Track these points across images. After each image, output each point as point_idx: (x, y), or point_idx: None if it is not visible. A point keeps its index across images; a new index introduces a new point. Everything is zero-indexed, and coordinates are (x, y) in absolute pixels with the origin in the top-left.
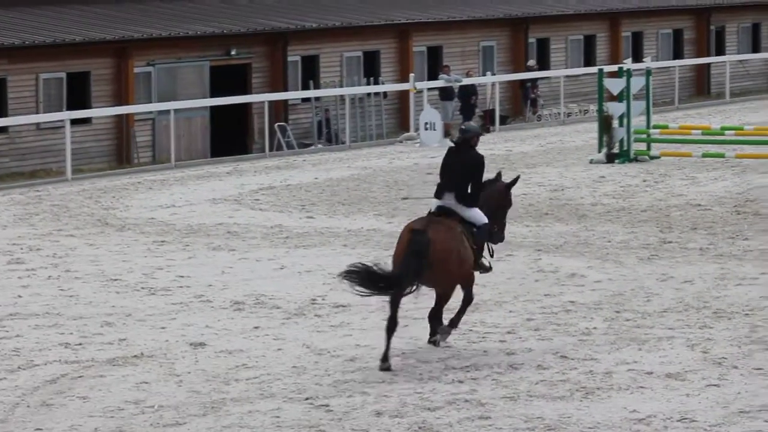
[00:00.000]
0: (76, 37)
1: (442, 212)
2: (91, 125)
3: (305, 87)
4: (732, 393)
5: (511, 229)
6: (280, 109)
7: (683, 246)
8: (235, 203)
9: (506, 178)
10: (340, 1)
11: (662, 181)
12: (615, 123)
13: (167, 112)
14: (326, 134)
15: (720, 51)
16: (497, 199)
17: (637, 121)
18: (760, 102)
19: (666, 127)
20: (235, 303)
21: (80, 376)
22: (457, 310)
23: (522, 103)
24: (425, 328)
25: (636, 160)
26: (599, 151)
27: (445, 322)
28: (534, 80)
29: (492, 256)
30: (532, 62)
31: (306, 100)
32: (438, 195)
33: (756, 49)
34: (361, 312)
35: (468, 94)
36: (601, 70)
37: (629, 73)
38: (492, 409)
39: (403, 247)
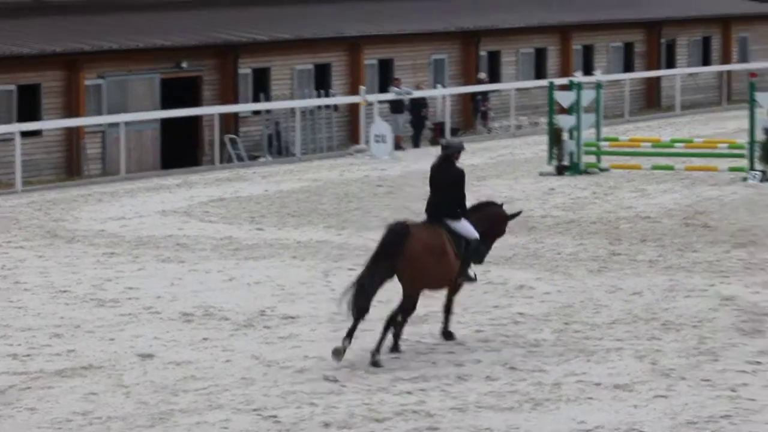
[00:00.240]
0: (26, 49)
1: (434, 221)
2: (41, 137)
3: (256, 99)
4: (680, 404)
5: None
6: (230, 122)
7: (632, 258)
8: (185, 215)
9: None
10: (291, 14)
11: (612, 194)
12: (565, 135)
13: (117, 124)
14: (276, 146)
15: (670, 64)
16: (494, 223)
17: (587, 134)
18: (709, 115)
19: (616, 139)
20: (184, 314)
21: (28, 388)
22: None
23: (472, 116)
24: (374, 340)
25: (586, 172)
26: (549, 164)
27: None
28: (485, 93)
29: (480, 262)
30: (482, 75)
31: (256, 112)
32: (427, 211)
33: (706, 62)
34: (310, 323)
35: (418, 106)
36: (551, 83)
37: (579, 86)
38: (440, 421)
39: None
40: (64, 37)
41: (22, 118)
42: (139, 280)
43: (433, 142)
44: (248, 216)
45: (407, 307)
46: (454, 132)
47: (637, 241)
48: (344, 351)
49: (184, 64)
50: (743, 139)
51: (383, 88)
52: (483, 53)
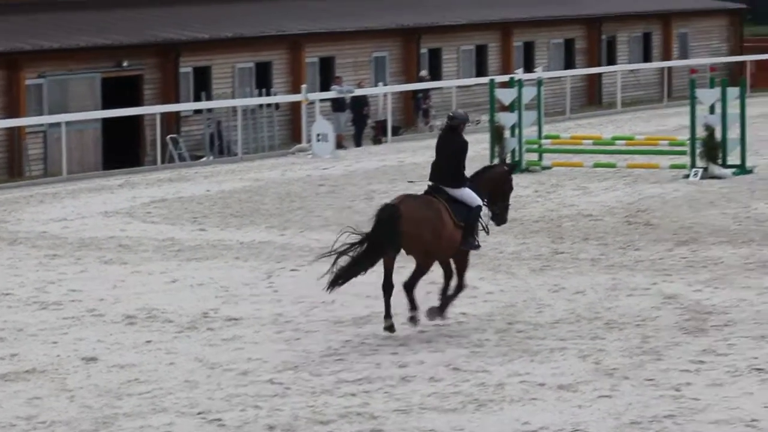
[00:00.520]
0: None
1: (433, 191)
2: None
3: (197, 98)
4: (623, 404)
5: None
6: (172, 121)
7: (575, 257)
8: (127, 216)
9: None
10: (232, 12)
11: (554, 192)
12: (506, 133)
13: (59, 124)
14: (218, 146)
15: (611, 61)
16: (498, 182)
17: (529, 132)
18: (651, 111)
19: (557, 137)
20: (127, 317)
21: None
22: (445, 294)
23: (414, 114)
24: (318, 341)
25: (527, 170)
26: (491, 162)
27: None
28: (426, 91)
29: (487, 233)
30: (424, 73)
31: (198, 111)
32: (430, 177)
33: (647, 58)
34: (254, 325)
35: (360, 105)
36: (492, 81)
37: (520, 84)
38: (384, 422)
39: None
40: (4, 37)
41: None
42: (82, 283)
43: (375, 140)
44: (190, 216)
45: (418, 273)
46: (396, 130)
47: (580, 239)
48: (392, 326)
49: (125, 63)
50: (684, 136)
51: (325, 87)
52: (424, 51)
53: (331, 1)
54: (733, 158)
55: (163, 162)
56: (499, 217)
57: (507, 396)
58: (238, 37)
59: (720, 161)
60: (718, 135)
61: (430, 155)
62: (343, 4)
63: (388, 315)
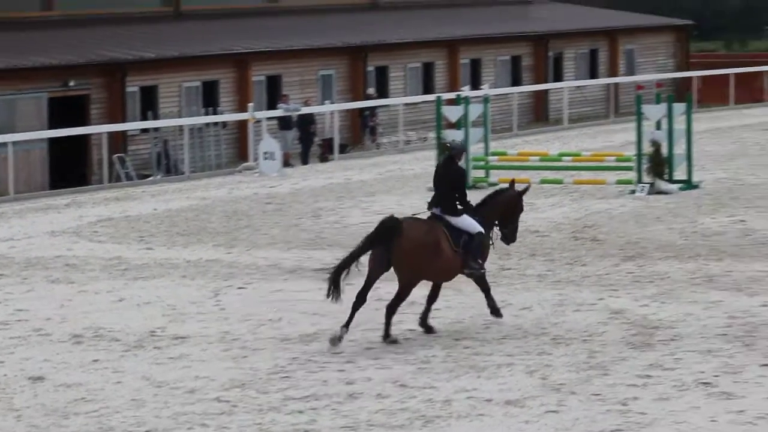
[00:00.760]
0: None
1: (435, 217)
2: None
3: (144, 118)
4: (570, 419)
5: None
6: (118, 141)
7: (521, 273)
8: (74, 235)
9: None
10: (179, 32)
11: None
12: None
13: (5, 144)
14: (165, 165)
15: (558, 77)
16: (510, 204)
17: (476, 149)
18: (597, 128)
19: (504, 153)
20: (74, 336)
21: None
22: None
23: (361, 132)
24: (265, 359)
25: (474, 187)
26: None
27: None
28: (373, 108)
29: (483, 260)
30: (371, 90)
31: (145, 130)
32: (430, 206)
33: (593, 75)
34: (201, 344)
35: (307, 123)
36: (439, 98)
37: (467, 101)
38: None
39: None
40: None
41: None
42: (29, 302)
43: (322, 158)
44: (137, 235)
45: (401, 296)
46: (343, 148)
47: (527, 255)
48: (340, 338)
49: (72, 83)
50: (631, 152)
51: (271, 105)
52: (371, 68)
53: (277, 20)
54: (680, 173)
55: (110, 181)
56: (509, 237)
57: (454, 412)
58: (185, 56)
59: (666, 177)
60: (664, 150)
61: (377, 173)
62: (289, 23)
63: (346, 325)
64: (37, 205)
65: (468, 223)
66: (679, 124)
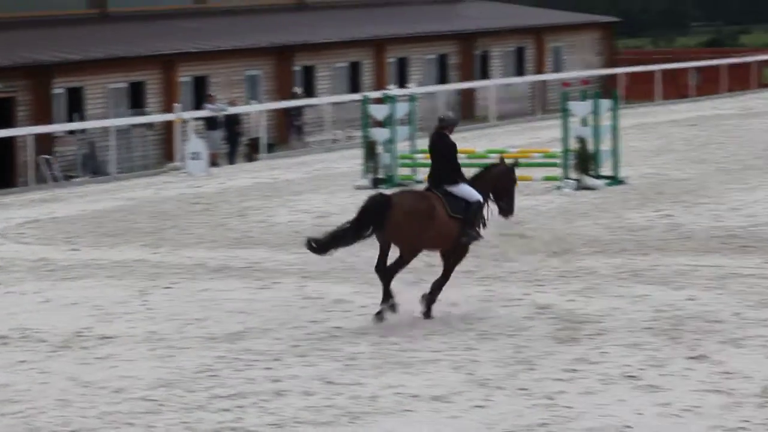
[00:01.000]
0: None
1: (431, 188)
2: None
3: (70, 119)
4: (497, 414)
5: (275, 257)
6: (45, 142)
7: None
8: (0, 237)
9: None
10: (105, 33)
11: None
12: (380, 149)
13: None
14: (92, 166)
15: (485, 75)
16: (502, 178)
17: (403, 146)
18: (524, 125)
19: None
20: (1, 337)
21: None
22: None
23: (288, 131)
24: (191, 358)
25: (401, 185)
26: (364, 177)
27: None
28: (300, 108)
29: (485, 226)
30: (297, 90)
31: (71, 132)
32: (428, 178)
33: (520, 72)
34: (127, 343)
35: (233, 123)
36: (365, 97)
37: (393, 99)
38: None
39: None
40: None
41: None
42: None
43: (249, 158)
44: (64, 237)
45: (402, 262)
46: (270, 147)
47: None
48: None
49: None
50: (557, 149)
51: (198, 106)
52: (297, 68)
53: (203, 21)
54: (606, 169)
55: (36, 183)
56: (507, 210)
57: (381, 408)
58: (111, 58)
59: (592, 172)
60: (590, 147)
61: (304, 171)
62: (215, 24)
63: (384, 299)
64: None
65: (467, 190)
66: (605, 121)
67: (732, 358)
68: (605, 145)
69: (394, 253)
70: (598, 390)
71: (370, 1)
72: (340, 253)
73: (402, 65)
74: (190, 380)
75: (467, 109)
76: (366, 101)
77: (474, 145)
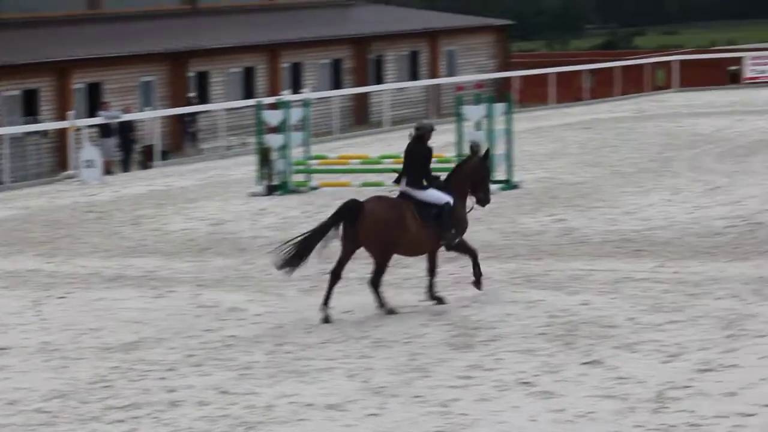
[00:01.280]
0: None
1: (402, 196)
2: None
3: None
4: (391, 422)
5: (169, 265)
6: None
7: (343, 276)
8: None
9: None
10: None
11: (322, 212)
12: (274, 155)
13: None
14: None
15: (379, 80)
16: (475, 171)
17: (297, 152)
18: None
19: (325, 157)
20: None
21: None
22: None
23: (182, 138)
24: (86, 368)
25: (295, 191)
26: (259, 184)
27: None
28: (194, 114)
29: (461, 233)
30: (192, 96)
31: None
32: (397, 181)
33: (415, 77)
34: (21, 354)
35: (127, 130)
36: (259, 102)
37: (287, 105)
38: None
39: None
40: None
41: None
42: None
43: (143, 165)
44: None
45: (379, 270)
46: (165, 155)
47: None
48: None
49: None
50: (451, 153)
51: (92, 113)
52: (192, 74)
53: (98, 27)
54: (500, 174)
55: None
56: (484, 200)
57: (276, 417)
58: (4, 65)
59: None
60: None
61: (198, 178)
62: (109, 30)
63: (325, 303)
64: None
65: (434, 195)
66: (500, 125)
67: (626, 363)
68: (499, 150)
69: (350, 265)
70: (492, 397)
71: (264, 6)
72: (233, 262)
73: (296, 70)
74: (84, 391)
75: (361, 114)
76: (260, 107)
77: (368, 150)
